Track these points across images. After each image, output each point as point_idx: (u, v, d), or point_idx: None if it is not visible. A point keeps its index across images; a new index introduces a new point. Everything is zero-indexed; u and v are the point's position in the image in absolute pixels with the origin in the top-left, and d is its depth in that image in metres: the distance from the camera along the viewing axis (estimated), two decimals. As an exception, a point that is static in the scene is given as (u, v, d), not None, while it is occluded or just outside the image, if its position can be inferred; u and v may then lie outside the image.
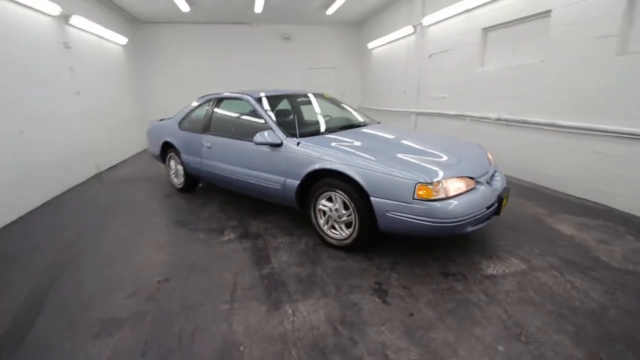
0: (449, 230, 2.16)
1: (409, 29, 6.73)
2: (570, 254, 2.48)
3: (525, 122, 4.17)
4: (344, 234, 2.59)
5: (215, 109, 3.71)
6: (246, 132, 3.27)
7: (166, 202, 4.04)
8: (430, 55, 6.18)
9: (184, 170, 4.13)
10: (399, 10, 7.19)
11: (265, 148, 2.96)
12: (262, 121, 3.12)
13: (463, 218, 2.14)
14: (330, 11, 7.54)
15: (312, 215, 2.75)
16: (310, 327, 1.81)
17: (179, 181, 4.39)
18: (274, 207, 3.63)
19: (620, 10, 3.04)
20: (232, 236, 3.02)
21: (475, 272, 2.29)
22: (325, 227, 2.70)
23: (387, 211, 2.26)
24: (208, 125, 3.67)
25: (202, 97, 4.03)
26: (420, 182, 2.13)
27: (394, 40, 7.52)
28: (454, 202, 2.15)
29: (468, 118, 5.19)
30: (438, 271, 2.32)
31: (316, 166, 2.57)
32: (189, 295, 2.14)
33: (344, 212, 2.53)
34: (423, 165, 2.30)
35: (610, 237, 2.72)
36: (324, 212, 2.68)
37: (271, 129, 2.95)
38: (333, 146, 2.65)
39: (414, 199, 2.15)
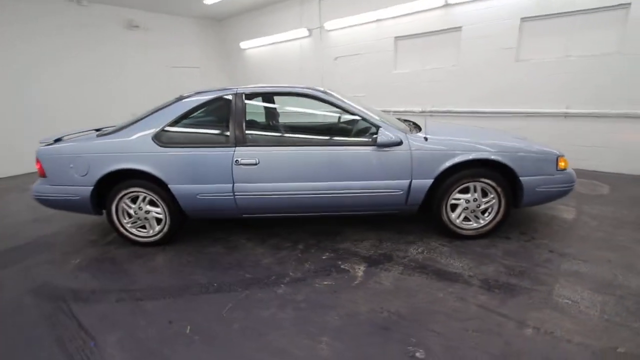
0: (571, 191, 2.66)
1: (302, 32, 6.83)
2: (592, 197, 3.49)
3: (448, 111, 5.37)
4: (482, 222, 2.60)
5: (249, 110, 2.58)
6: (334, 136, 2.62)
7: (162, 270, 2.43)
8: (336, 58, 6.59)
9: (170, 210, 2.61)
10: (284, 11, 7.11)
11: (369, 150, 2.44)
12: (347, 119, 2.55)
13: None
14: (210, 1, 6.44)
15: (444, 212, 2.57)
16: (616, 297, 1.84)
17: (150, 231, 2.71)
18: (333, 222, 2.98)
19: (516, 28, 4.54)
20: (362, 268, 2.30)
21: (579, 220, 2.94)
22: (458, 221, 2.60)
23: (536, 187, 2.50)
24: (242, 134, 2.50)
25: (196, 94, 2.63)
26: (559, 155, 2.52)
27: (281, 42, 7.39)
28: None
29: (392, 112, 6.00)
30: (556, 227, 2.81)
31: (459, 159, 2.42)
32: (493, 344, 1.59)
33: (483, 200, 2.55)
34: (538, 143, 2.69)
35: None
36: (454, 206, 2.58)
37: (378, 126, 2.45)
38: (463, 136, 2.57)
39: (557, 170, 2.51)
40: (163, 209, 2.64)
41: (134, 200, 2.65)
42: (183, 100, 2.63)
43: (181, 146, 2.53)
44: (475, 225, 2.61)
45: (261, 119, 3.09)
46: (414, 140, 2.46)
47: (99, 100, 6.68)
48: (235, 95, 2.59)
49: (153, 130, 2.54)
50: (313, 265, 2.37)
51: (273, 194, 2.52)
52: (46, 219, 3.46)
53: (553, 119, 4.51)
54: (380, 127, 2.43)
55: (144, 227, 2.74)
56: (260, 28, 7.66)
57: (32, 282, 2.31)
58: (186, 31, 7.92)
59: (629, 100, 3.97)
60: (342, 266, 2.34)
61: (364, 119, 2.52)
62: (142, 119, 2.62)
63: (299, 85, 2.76)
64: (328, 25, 6.37)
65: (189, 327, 1.80)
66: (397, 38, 5.69)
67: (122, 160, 2.52)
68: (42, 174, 2.67)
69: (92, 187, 2.58)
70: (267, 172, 2.49)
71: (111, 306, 2.02)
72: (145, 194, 2.61)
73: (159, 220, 2.70)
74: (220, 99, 2.61)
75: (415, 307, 1.88)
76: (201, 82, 8.36)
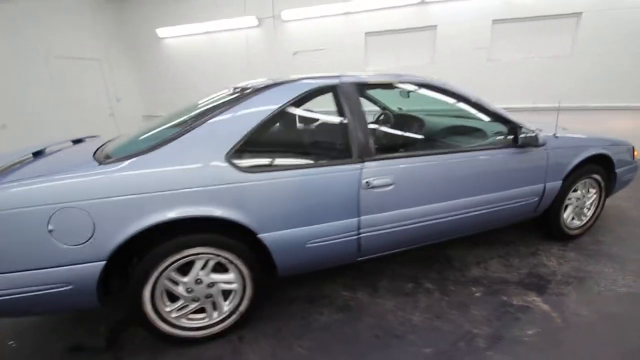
0: None
1: (249, 20, 5.81)
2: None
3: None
4: (584, 219, 2.51)
5: (368, 109, 1.77)
6: (460, 138, 2.08)
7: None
8: (295, 53, 5.83)
9: (254, 273, 1.58)
10: (221, -5, 5.90)
11: (510, 154, 2.02)
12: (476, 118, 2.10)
13: None
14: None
15: (562, 213, 2.36)
16: None
17: (214, 314, 1.60)
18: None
19: (488, 29, 4.82)
20: (536, 299, 1.85)
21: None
22: (568, 221, 2.44)
23: (622, 177, 2.55)
24: (367, 143, 1.68)
25: (278, 85, 1.66)
26: (633, 145, 2.63)
27: (218, 31, 6.12)
28: None
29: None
30: (609, 211, 2.96)
31: (583, 156, 2.24)
32: None
33: (588, 195, 2.46)
34: None
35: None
36: (566, 206, 2.41)
37: (518, 125, 2.03)
38: (574, 132, 2.39)
39: (633, 159, 2.61)
40: (240, 274, 1.59)
41: (183, 269, 1.51)
42: (264, 95, 1.62)
43: (277, 169, 1.54)
44: (578, 223, 2.51)
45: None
46: (548, 139, 2.15)
47: None
48: (341, 86, 1.75)
49: (225, 146, 1.47)
50: (482, 310, 1.79)
51: (410, 223, 1.81)
52: None
53: (523, 113, 5.00)
54: (521, 125, 2.03)
55: (201, 310, 1.60)
56: (186, 13, 6.16)
57: None
58: (76, 8, 5.73)
59: (580, 97, 4.69)
60: (513, 302, 1.85)
61: (500, 116, 2.07)
62: (192, 127, 1.49)
63: (415, 75, 2.12)
64: (285, 15, 5.57)
65: None
66: (368, 33, 5.39)
67: (174, 203, 1.37)
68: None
69: (103, 262, 1.33)
70: (406, 194, 1.76)
71: None
72: (209, 256, 1.51)
73: (225, 295, 1.63)
74: (321, 90, 1.73)
75: (658, 337, 1.57)
76: (103, 79, 6.26)
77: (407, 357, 1.51)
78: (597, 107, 4.65)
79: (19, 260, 1.27)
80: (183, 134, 1.46)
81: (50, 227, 1.26)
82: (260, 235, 1.53)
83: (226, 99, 1.69)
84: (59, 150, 1.85)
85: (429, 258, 2.32)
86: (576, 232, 2.50)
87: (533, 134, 1.95)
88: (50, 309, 1.40)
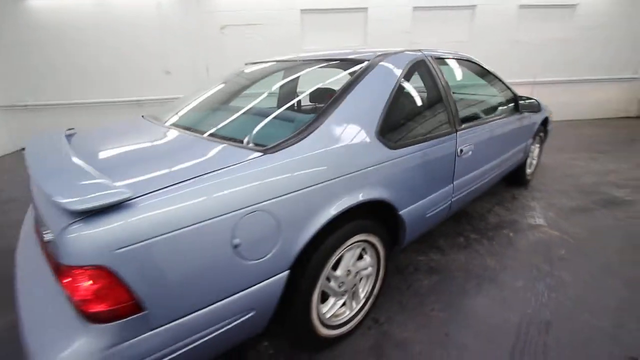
0: None
1: (160, -15, 4.85)
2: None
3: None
4: (533, 167, 3.31)
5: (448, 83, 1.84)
6: (494, 107, 2.40)
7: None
8: (224, 27, 5.20)
9: (386, 253, 1.57)
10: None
11: (516, 118, 2.49)
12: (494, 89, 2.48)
13: None
14: None
15: (526, 164, 3.06)
16: None
17: (354, 304, 1.52)
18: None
19: (410, 15, 5.43)
20: (552, 232, 2.42)
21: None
22: (527, 169, 3.17)
23: (550, 133, 3.45)
24: (457, 113, 1.81)
25: (389, 56, 1.59)
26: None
27: (116, -5, 4.87)
28: None
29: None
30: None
31: (543, 116, 2.95)
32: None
33: (535, 148, 3.25)
34: None
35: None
36: (526, 158, 3.14)
37: (515, 94, 2.51)
38: None
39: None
40: (376, 256, 1.55)
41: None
42: (381, 70, 1.53)
43: (412, 143, 1.53)
44: (529, 170, 3.28)
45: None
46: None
47: None
48: (429, 59, 1.81)
49: (372, 123, 1.36)
50: (524, 245, 2.24)
51: (475, 183, 2.09)
52: None
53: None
54: (520, 96, 2.51)
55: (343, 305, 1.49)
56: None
57: None
58: None
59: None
60: (537, 234, 2.37)
61: (507, 87, 2.50)
62: (336, 105, 1.31)
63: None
64: (210, -18, 4.90)
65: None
66: (303, 11, 5.29)
67: (345, 191, 1.22)
68: (126, 309, 0.81)
69: (287, 272, 1.11)
70: (477, 158, 2.01)
71: None
72: (358, 244, 1.41)
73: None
74: (419, 64, 1.73)
75: (625, 236, 2.32)
76: None
77: (511, 292, 1.80)
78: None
79: (195, 297, 0.93)
80: (331, 113, 1.28)
81: (235, 242, 0.95)
82: (400, 212, 1.51)
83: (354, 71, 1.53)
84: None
85: (453, 215, 2.67)
86: (529, 177, 3.30)
87: (535, 102, 2.47)
88: (218, 349, 1.05)
